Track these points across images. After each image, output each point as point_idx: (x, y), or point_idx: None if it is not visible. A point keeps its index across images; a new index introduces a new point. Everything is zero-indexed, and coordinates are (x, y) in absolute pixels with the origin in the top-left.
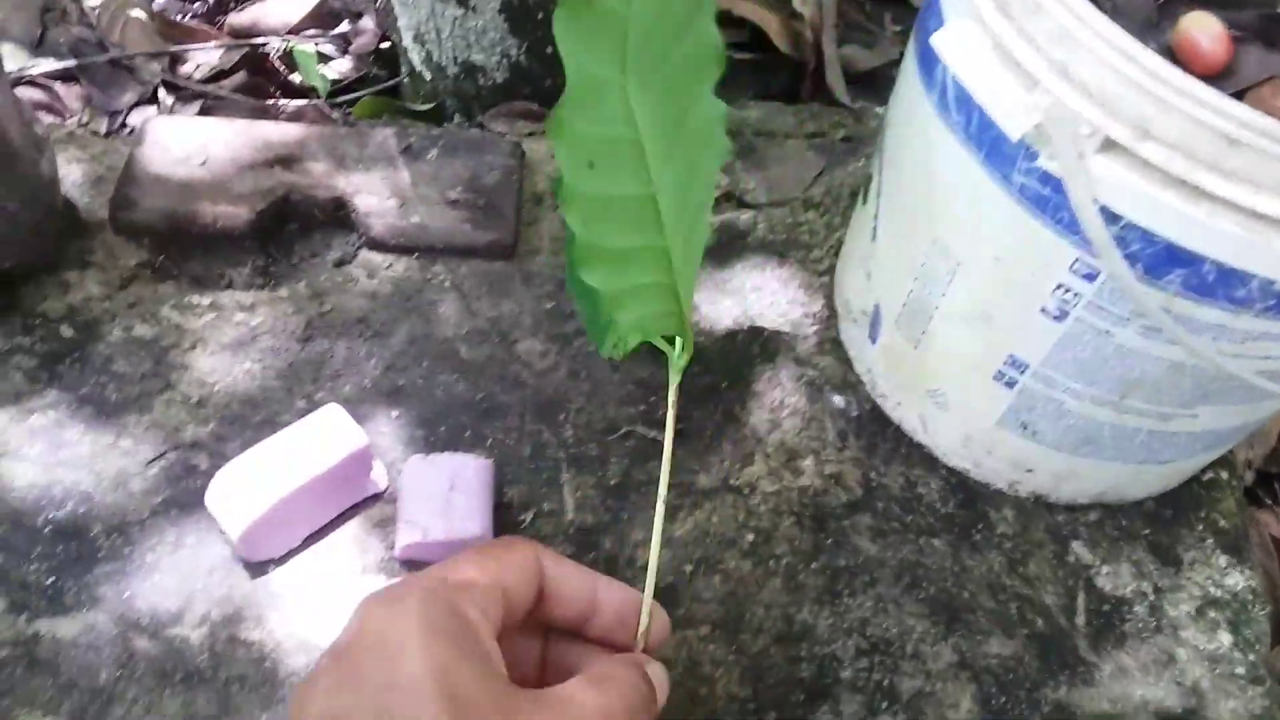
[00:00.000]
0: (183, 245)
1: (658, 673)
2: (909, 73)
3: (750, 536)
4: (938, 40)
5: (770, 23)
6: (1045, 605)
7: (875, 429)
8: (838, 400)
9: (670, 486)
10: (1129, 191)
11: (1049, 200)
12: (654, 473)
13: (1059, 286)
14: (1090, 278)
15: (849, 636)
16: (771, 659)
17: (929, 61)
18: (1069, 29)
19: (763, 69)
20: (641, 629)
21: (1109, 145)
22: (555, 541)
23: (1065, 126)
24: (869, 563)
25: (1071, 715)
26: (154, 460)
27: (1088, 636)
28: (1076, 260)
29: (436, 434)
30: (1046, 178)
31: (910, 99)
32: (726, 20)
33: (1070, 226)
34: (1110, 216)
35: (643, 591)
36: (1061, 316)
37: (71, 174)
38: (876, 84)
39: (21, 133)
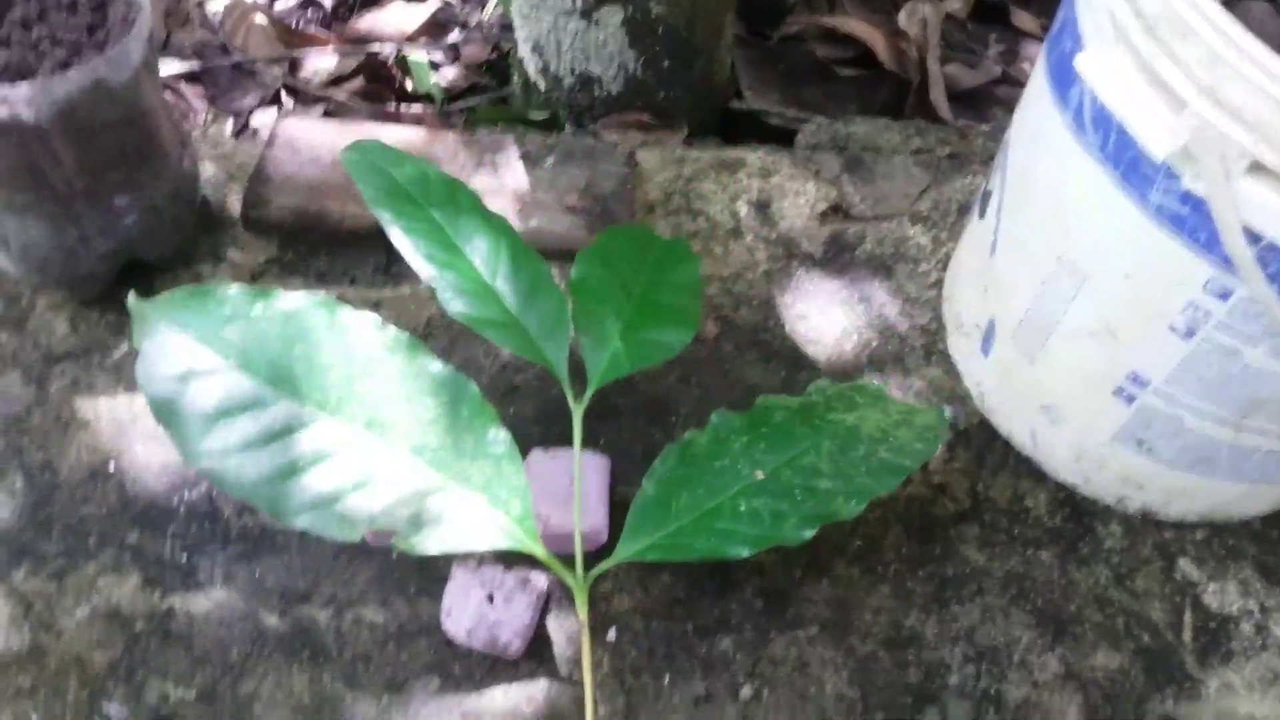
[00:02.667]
0: (310, 243)
1: None
2: (1038, 91)
3: (858, 542)
4: (1082, 62)
5: (876, 40)
6: (1152, 620)
7: (982, 441)
8: (946, 412)
9: None
10: (1274, 213)
11: (1186, 220)
12: None
13: (1190, 304)
14: (1223, 297)
15: (956, 644)
16: (880, 662)
17: (1064, 81)
18: (1220, 52)
19: (867, 85)
20: None
21: (1256, 168)
22: None
23: (1212, 148)
24: (976, 572)
25: None
26: None
27: (1194, 653)
28: (1210, 279)
29: (552, 432)
30: (1186, 197)
31: (1039, 117)
32: (833, 37)
33: (1207, 245)
34: (1252, 237)
35: None
36: (1190, 334)
37: (204, 171)
38: (978, 103)
39: (169, 130)
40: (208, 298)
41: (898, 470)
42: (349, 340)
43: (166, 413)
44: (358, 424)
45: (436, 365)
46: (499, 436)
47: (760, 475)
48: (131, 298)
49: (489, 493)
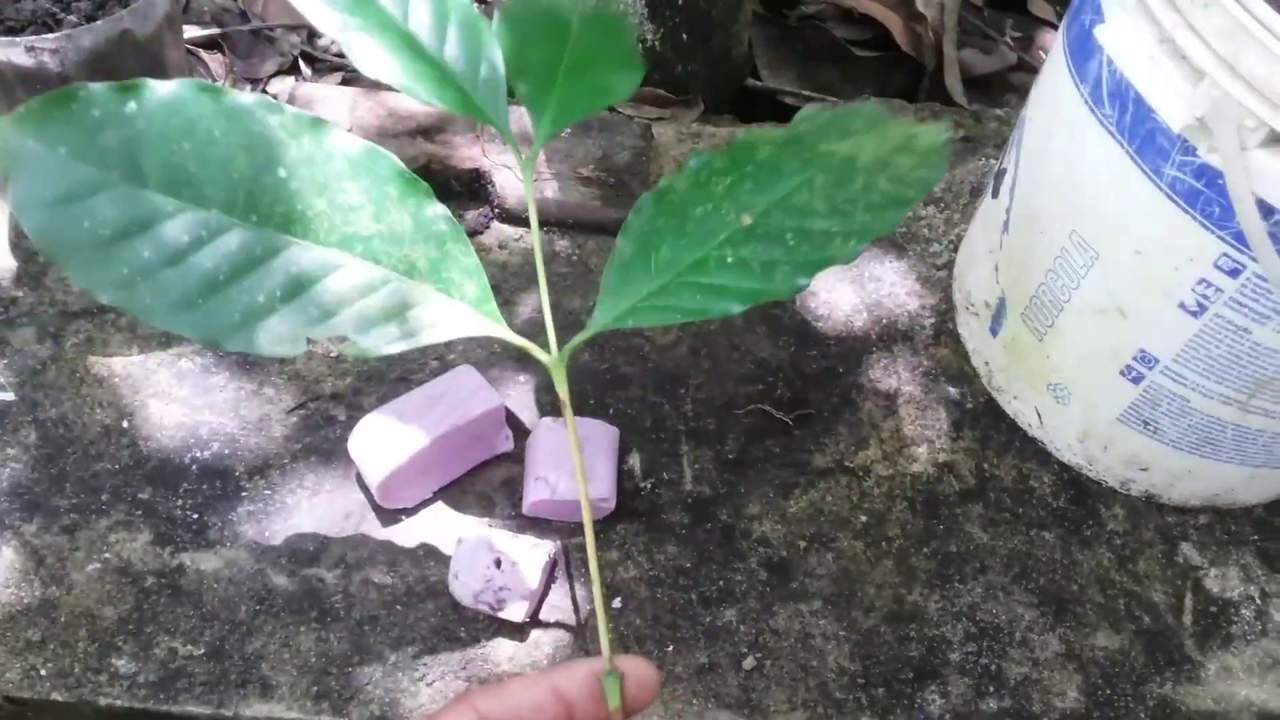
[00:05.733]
0: None
1: None
2: (1056, 66)
3: (863, 518)
4: (1102, 33)
5: (894, 22)
6: (1153, 603)
7: (989, 421)
8: (953, 391)
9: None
10: None
11: (1200, 195)
12: (772, 450)
13: (1201, 281)
14: (1234, 273)
15: (958, 620)
16: (881, 637)
17: (1083, 54)
18: (1240, 23)
19: (883, 67)
20: (604, 675)
21: (1273, 140)
22: (673, 511)
23: (1229, 119)
24: (979, 550)
25: (1176, 711)
26: (295, 409)
27: (1194, 636)
28: (1222, 255)
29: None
30: (1201, 172)
31: (1056, 92)
32: (850, 18)
33: (1220, 221)
34: (1265, 210)
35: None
36: (1199, 312)
37: None
38: (992, 88)
39: None
40: (71, 103)
41: (900, 202)
42: (243, 128)
43: (55, 245)
44: (273, 224)
45: (347, 143)
46: (437, 213)
47: (747, 220)
48: None
49: (437, 279)
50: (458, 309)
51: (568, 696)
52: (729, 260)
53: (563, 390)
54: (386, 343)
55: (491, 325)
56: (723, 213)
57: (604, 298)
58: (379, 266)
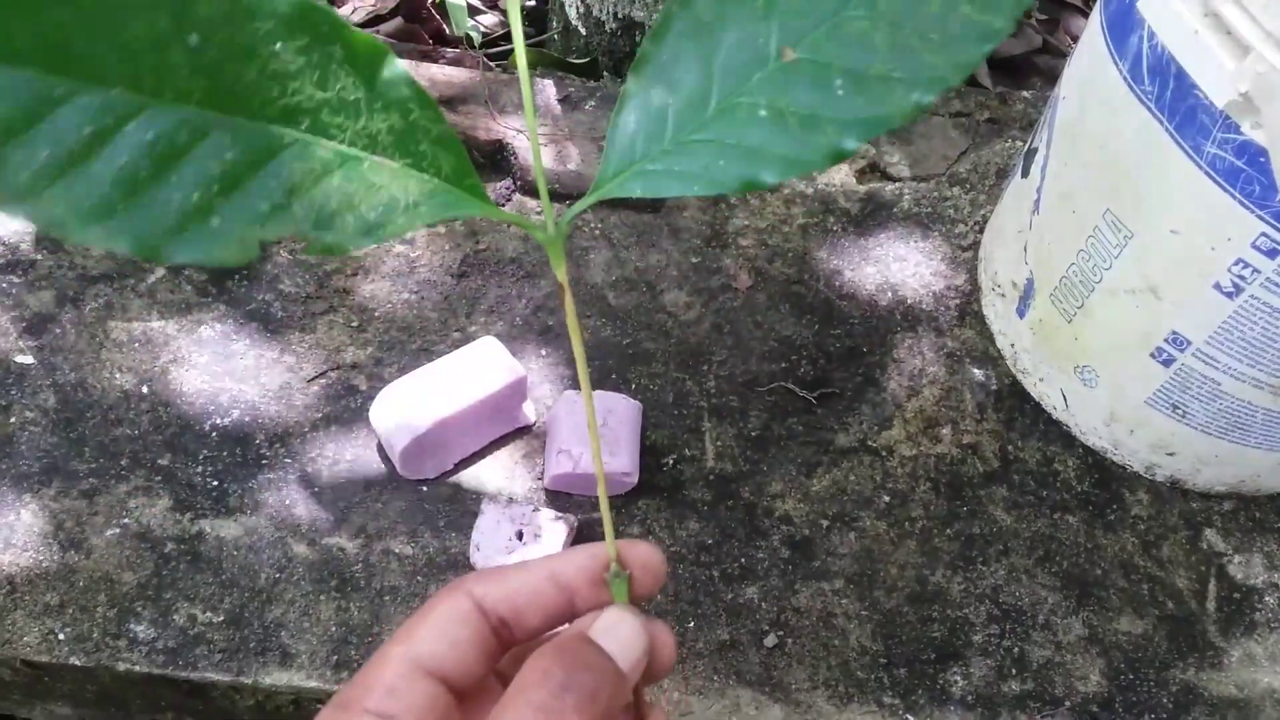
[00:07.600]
0: None
1: (626, 632)
2: (1093, 43)
3: (886, 498)
4: (1144, 6)
5: None
6: (1177, 588)
7: (1014, 403)
8: (977, 373)
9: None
10: None
11: (1240, 173)
12: (795, 428)
13: (1238, 261)
14: (1272, 254)
15: (981, 602)
16: (904, 617)
17: (1122, 29)
18: None
19: None
20: (610, 575)
21: None
22: (695, 487)
23: (1275, 95)
24: (1003, 533)
25: (1198, 697)
26: (316, 377)
27: (1217, 622)
28: (1261, 235)
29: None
30: (1243, 149)
31: (1092, 69)
32: None
33: (1260, 200)
34: None
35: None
36: (1235, 293)
37: None
38: (1017, 71)
39: None
40: None
41: (982, 37)
42: None
43: None
44: (193, 102)
45: None
46: (396, 75)
47: (790, 55)
48: None
49: (404, 152)
50: (433, 187)
51: (568, 583)
52: (762, 111)
53: (560, 272)
54: (353, 235)
55: (472, 201)
56: (760, 40)
57: (609, 154)
58: (331, 142)
